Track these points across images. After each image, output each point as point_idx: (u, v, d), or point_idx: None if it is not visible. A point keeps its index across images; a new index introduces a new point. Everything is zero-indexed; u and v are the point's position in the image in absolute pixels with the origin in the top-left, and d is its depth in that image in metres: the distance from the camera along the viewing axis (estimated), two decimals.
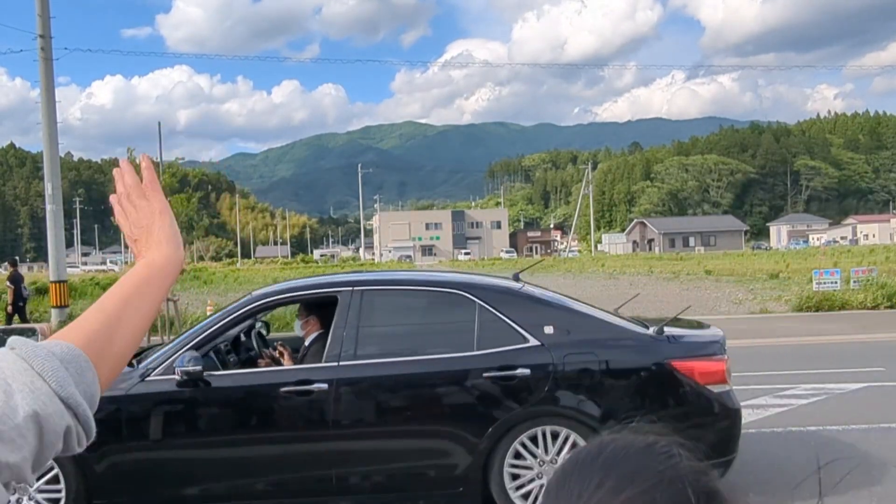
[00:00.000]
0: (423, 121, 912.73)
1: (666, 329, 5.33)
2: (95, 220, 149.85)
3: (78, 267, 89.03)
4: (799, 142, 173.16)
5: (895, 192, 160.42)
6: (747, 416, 7.53)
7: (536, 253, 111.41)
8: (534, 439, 4.97)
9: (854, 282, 18.48)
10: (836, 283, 18.09)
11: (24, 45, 18.16)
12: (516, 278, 5.79)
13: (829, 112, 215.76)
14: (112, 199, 1.12)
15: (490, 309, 5.15)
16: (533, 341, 5.03)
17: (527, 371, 4.93)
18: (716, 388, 5.09)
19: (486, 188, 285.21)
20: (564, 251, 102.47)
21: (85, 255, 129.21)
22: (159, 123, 29.76)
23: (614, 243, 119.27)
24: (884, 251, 53.19)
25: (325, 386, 4.92)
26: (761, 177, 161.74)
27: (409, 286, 5.69)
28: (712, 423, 5.10)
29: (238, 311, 5.33)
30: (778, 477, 5.72)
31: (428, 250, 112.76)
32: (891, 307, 16.96)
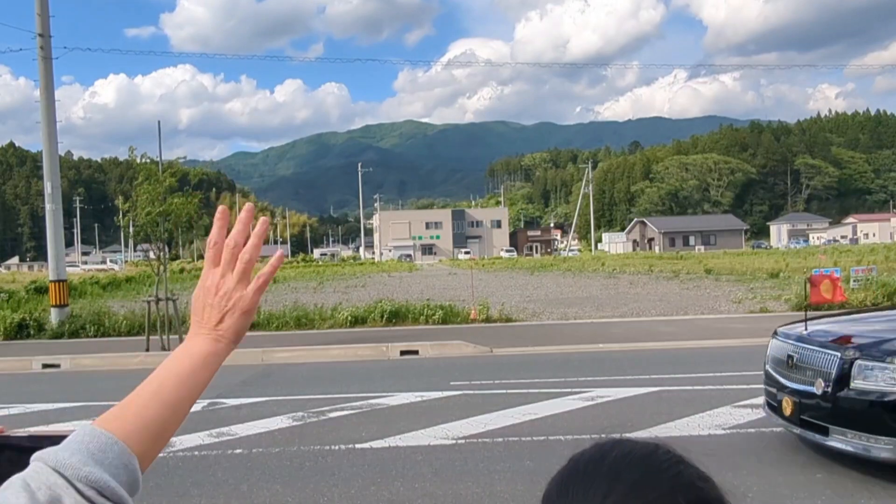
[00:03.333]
0: (423, 120, 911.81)
1: None
2: (95, 220, 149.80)
3: (78, 266, 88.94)
4: (799, 141, 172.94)
5: (895, 191, 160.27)
6: (747, 416, 7.53)
7: (536, 252, 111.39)
8: None
9: (854, 281, 18.45)
10: None
11: (24, 43, 18.13)
12: None
13: (829, 111, 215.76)
14: (220, 241, 1.06)
15: None
16: None
17: None
18: None
19: (487, 187, 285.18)
20: (564, 250, 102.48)
21: (85, 254, 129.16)
22: (159, 122, 29.80)
23: (614, 242, 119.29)
24: (884, 250, 53.16)
25: None
26: (761, 176, 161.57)
27: None
28: None
29: None
30: (779, 477, 5.70)
31: (428, 249, 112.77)
32: (891, 306, 16.92)
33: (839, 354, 5.72)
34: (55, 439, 0.83)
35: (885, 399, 5.33)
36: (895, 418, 5.29)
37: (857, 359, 5.56)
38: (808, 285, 13.52)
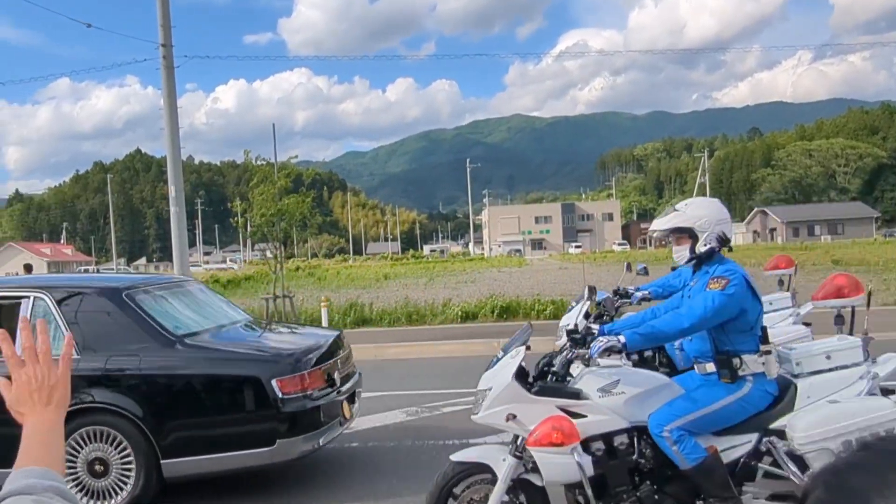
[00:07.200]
0: (533, 113, 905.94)
1: None
2: (216, 221, 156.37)
3: (200, 266, 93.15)
4: None
5: None
6: None
7: (651, 245, 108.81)
8: None
9: None
10: None
11: (149, 54, 18.98)
12: None
13: None
14: (13, 353, 1.32)
15: None
16: None
17: None
18: None
19: (597, 180, 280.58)
20: None
21: (206, 253, 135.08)
22: (273, 125, 30.78)
23: (734, 233, 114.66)
24: None
25: None
26: (893, 161, 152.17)
27: None
28: None
29: None
30: None
31: (538, 244, 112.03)
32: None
33: None
34: None
35: None
36: None
37: None
38: None
